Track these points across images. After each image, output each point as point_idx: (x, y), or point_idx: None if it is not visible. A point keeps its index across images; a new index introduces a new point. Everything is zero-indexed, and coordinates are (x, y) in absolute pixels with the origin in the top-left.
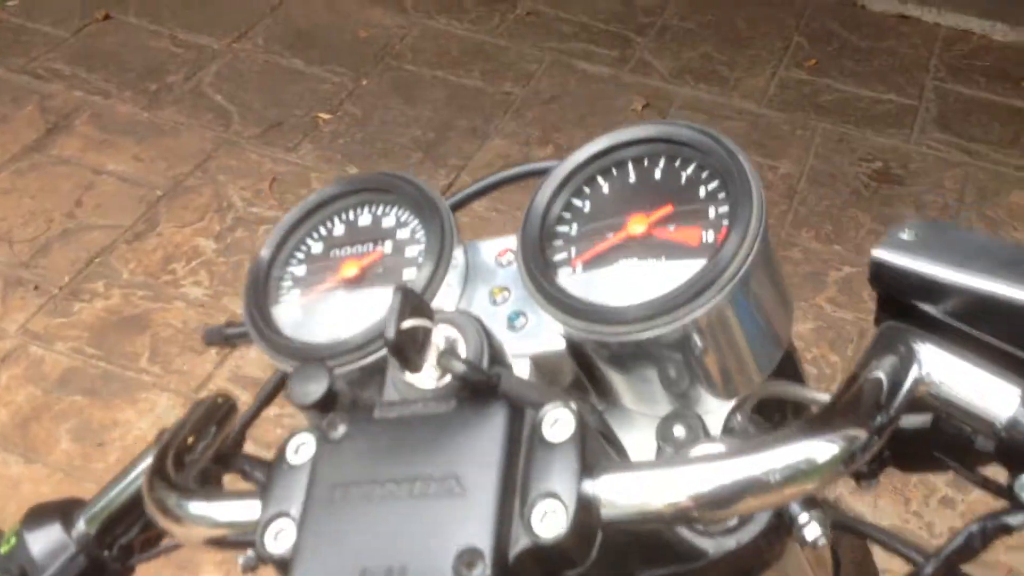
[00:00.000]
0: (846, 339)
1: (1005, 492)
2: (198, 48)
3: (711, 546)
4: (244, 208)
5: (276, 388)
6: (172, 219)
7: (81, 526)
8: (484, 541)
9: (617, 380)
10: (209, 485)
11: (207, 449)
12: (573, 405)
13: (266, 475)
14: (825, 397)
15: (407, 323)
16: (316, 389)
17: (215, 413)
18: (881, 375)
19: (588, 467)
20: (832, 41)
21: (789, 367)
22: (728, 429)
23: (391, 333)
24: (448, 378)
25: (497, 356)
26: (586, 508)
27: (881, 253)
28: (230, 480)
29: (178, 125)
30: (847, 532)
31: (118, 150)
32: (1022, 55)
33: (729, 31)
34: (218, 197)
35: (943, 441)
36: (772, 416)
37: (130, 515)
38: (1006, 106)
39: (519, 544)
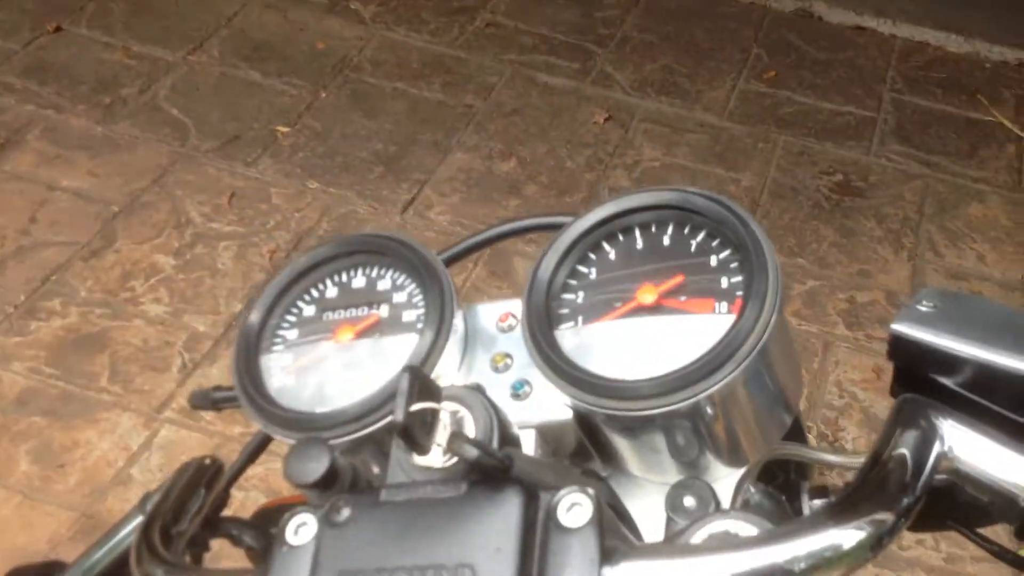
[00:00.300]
0: (811, 352)
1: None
2: (152, 60)
3: None
4: (203, 224)
5: (260, 446)
6: (129, 235)
7: None
8: None
9: (624, 448)
10: (198, 550)
11: (196, 515)
12: (590, 490)
13: (256, 540)
14: (832, 458)
15: (416, 406)
16: (317, 468)
17: (202, 476)
18: (905, 452)
19: (607, 554)
20: (790, 53)
21: (792, 427)
22: (742, 502)
23: (401, 417)
24: (455, 459)
25: (505, 433)
26: None
27: (900, 327)
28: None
29: (133, 139)
30: None
31: (72, 165)
32: (977, 67)
33: (689, 43)
34: (176, 213)
35: (955, 506)
36: (776, 476)
37: None
38: (963, 118)
39: None
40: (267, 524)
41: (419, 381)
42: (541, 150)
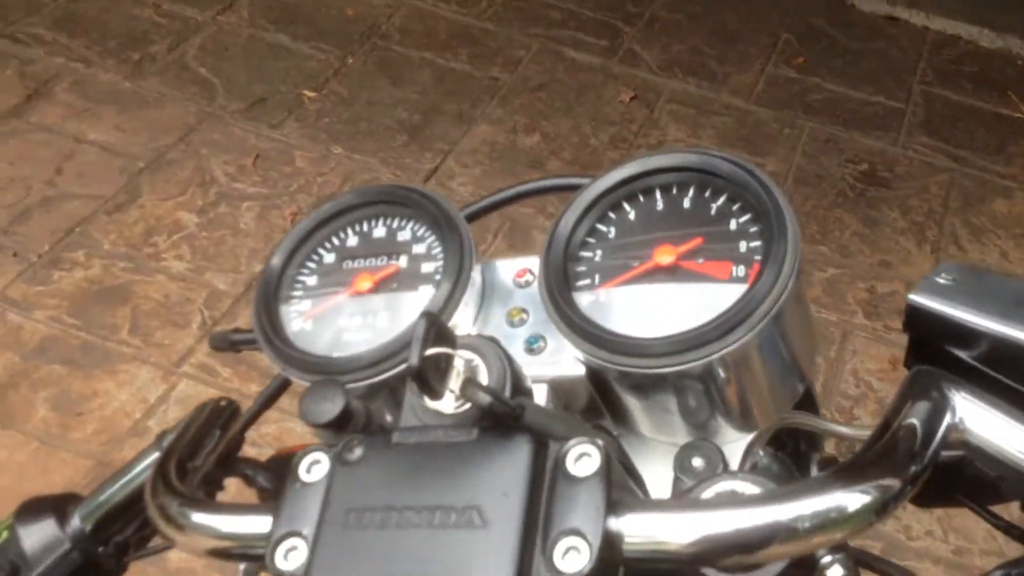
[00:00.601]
0: (829, 340)
1: None
2: (182, 19)
3: None
4: (227, 183)
5: (277, 391)
6: (154, 191)
7: (76, 522)
8: None
9: (635, 407)
10: (211, 488)
11: (211, 454)
12: (600, 441)
13: (270, 482)
14: (843, 430)
15: (431, 351)
16: (331, 408)
17: (218, 417)
18: (915, 422)
19: (613, 504)
20: (821, 39)
21: (806, 398)
22: (751, 464)
23: (415, 360)
24: (467, 405)
25: (519, 383)
26: (609, 546)
27: (918, 297)
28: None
29: (161, 96)
30: (868, 570)
31: (99, 119)
32: (1009, 63)
33: (718, 25)
34: (201, 171)
35: (965, 481)
36: (786, 445)
37: (126, 513)
38: (992, 113)
39: None
40: (281, 467)
41: (435, 327)
42: (565, 126)
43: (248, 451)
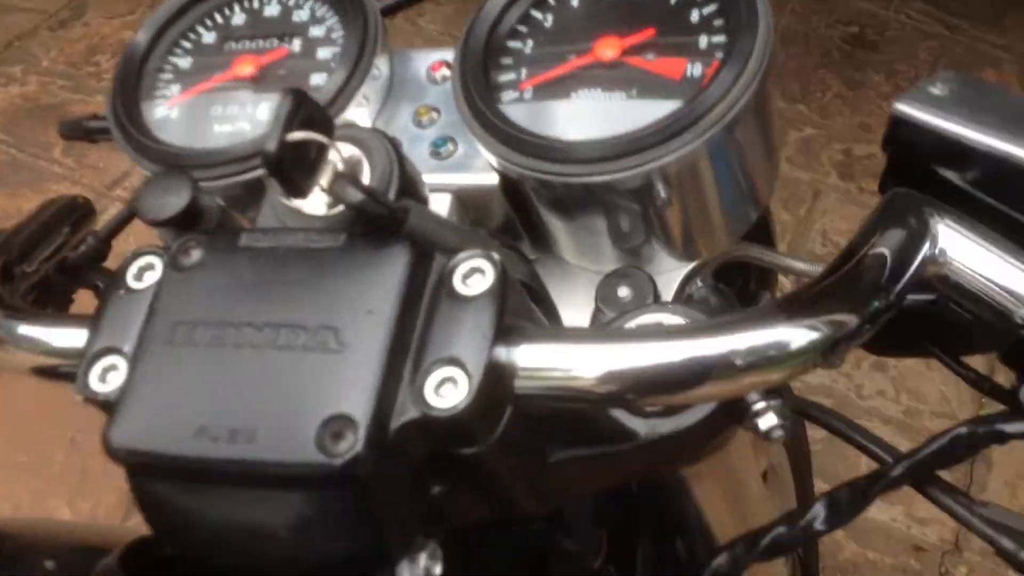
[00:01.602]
0: (800, 199)
1: (1005, 395)
2: None
3: (643, 428)
4: None
5: None
6: (101, 8)
7: None
8: (359, 408)
9: (557, 228)
10: (60, 299)
11: (50, 258)
12: (495, 255)
13: None
14: (801, 265)
15: (295, 135)
16: (175, 202)
17: (68, 215)
18: (884, 251)
19: (504, 331)
20: None
21: (759, 228)
22: (686, 296)
23: (272, 145)
24: (341, 207)
25: (409, 187)
26: (494, 379)
27: (904, 107)
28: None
29: None
30: (810, 420)
31: None
32: None
33: None
34: None
35: (934, 327)
36: (734, 282)
37: None
38: None
39: (404, 415)
40: None
41: (303, 108)
42: None
43: None
